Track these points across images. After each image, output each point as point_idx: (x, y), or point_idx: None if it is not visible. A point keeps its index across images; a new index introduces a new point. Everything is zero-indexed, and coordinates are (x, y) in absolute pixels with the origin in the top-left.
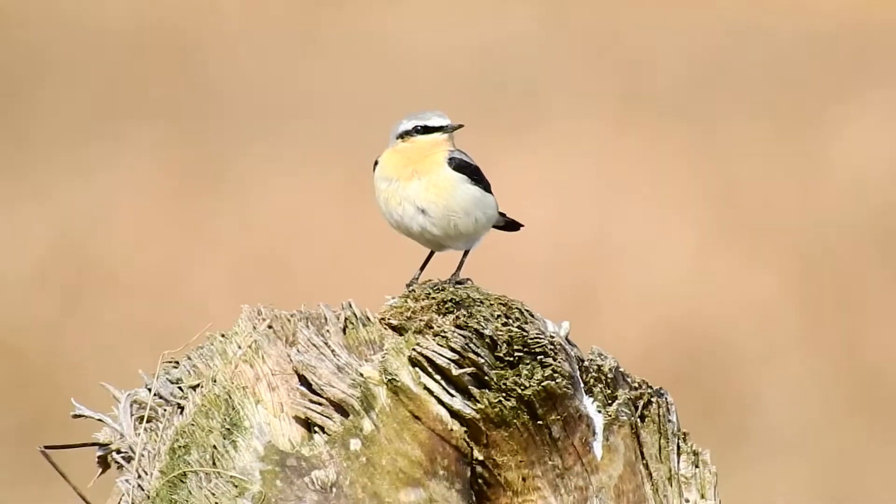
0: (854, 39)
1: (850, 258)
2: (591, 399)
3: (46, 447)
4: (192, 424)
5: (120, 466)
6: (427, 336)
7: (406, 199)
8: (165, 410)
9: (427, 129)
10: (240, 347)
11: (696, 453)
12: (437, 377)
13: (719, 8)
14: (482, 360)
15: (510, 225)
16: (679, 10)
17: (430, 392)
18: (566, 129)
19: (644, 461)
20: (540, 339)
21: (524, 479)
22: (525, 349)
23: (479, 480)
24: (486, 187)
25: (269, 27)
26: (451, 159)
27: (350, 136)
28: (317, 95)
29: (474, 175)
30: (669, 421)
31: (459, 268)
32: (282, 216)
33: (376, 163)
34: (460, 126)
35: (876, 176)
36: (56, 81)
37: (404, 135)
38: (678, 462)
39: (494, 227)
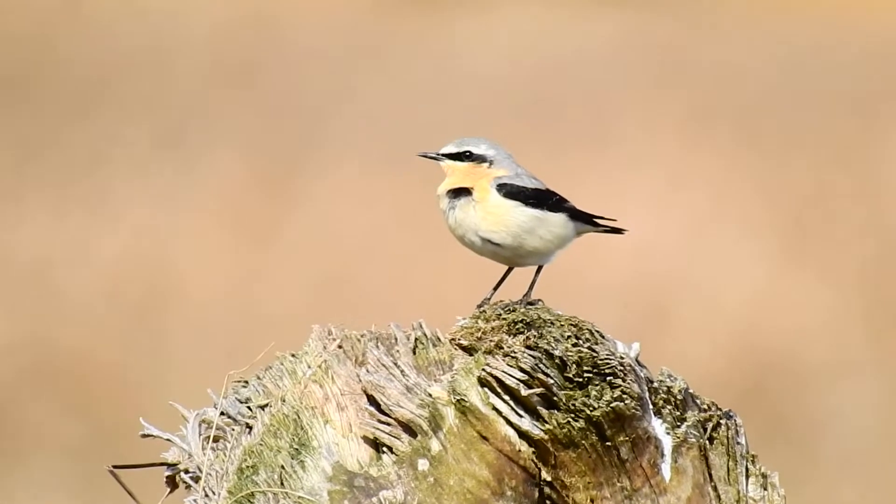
0: None
1: None
2: (660, 420)
3: (115, 466)
4: (261, 444)
5: (188, 486)
6: (497, 356)
7: (468, 230)
8: (234, 430)
9: (447, 156)
10: (309, 367)
11: (764, 476)
12: (506, 397)
13: (783, 31)
14: (551, 381)
15: (612, 230)
16: (744, 31)
17: (499, 412)
18: (635, 149)
19: (712, 483)
20: (610, 360)
21: (592, 501)
22: (594, 370)
23: (547, 501)
24: (553, 206)
25: (333, 44)
26: (500, 186)
27: (414, 151)
28: (383, 111)
29: (530, 199)
30: (738, 443)
31: (531, 288)
32: (351, 233)
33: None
34: (438, 156)
35: None
36: (127, 101)
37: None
38: (747, 485)
39: (595, 231)
